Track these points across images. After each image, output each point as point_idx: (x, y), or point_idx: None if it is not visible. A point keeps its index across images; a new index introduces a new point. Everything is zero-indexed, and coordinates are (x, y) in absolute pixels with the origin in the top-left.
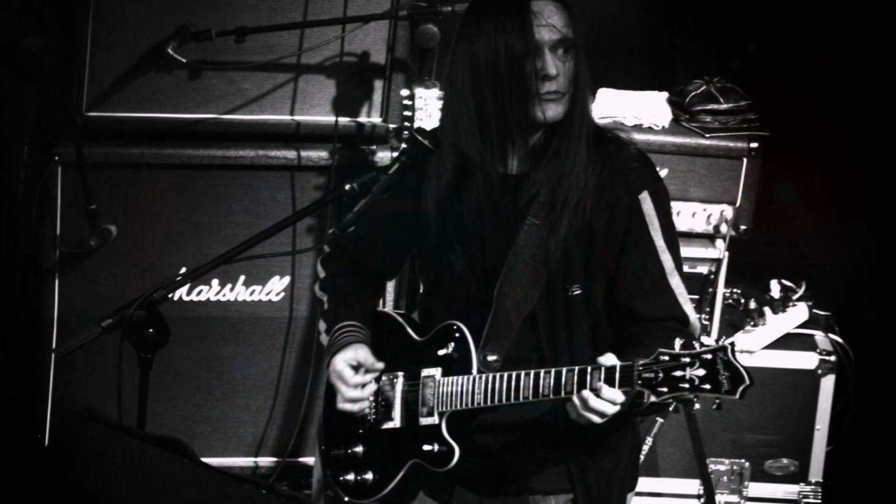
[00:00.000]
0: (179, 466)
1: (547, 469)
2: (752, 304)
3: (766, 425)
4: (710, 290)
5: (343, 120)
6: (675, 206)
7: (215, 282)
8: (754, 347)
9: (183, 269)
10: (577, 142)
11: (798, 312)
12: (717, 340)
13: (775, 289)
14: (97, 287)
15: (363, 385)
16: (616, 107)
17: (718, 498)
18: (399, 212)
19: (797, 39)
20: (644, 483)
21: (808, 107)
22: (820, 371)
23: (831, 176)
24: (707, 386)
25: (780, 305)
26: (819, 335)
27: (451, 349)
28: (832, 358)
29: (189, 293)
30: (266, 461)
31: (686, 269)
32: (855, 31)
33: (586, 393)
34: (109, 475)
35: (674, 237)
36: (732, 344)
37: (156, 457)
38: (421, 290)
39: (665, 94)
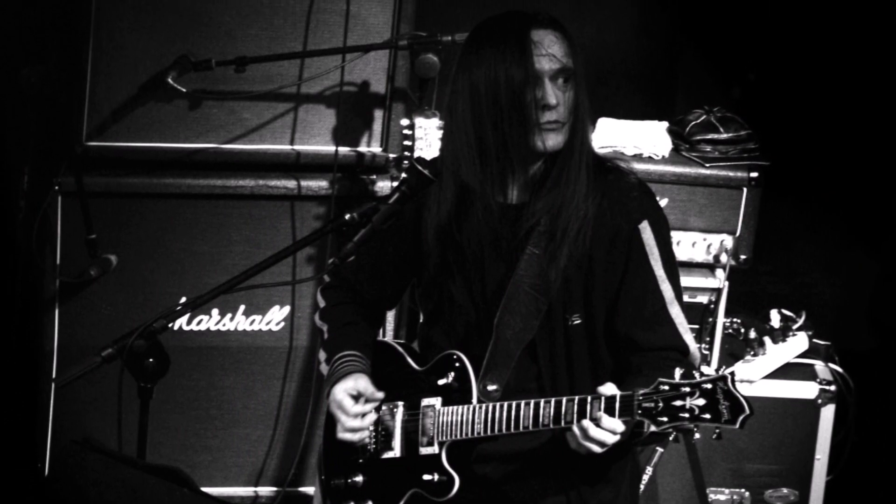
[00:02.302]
0: (179, 496)
1: (547, 499)
2: (752, 334)
3: (766, 455)
4: (710, 319)
5: (343, 149)
6: (675, 235)
7: (215, 311)
8: (754, 377)
9: (183, 299)
10: (577, 171)
11: (798, 342)
12: (716, 370)
13: (775, 318)
14: (97, 317)
15: (363, 415)
16: (616, 136)
17: None
18: (399, 242)
19: (797, 69)
20: None
21: (807, 136)
22: (820, 400)
23: (831, 206)
24: (707, 415)
25: (780, 335)
26: (819, 365)
27: (451, 379)
28: (832, 387)
29: (189, 323)
30: (266, 491)
31: (686, 298)
32: (854, 62)
33: (586, 422)
34: None
35: (674, 267)
36: (732, 373)
37: (156, 486)
38: (421, 320)
39: (665, 124)
